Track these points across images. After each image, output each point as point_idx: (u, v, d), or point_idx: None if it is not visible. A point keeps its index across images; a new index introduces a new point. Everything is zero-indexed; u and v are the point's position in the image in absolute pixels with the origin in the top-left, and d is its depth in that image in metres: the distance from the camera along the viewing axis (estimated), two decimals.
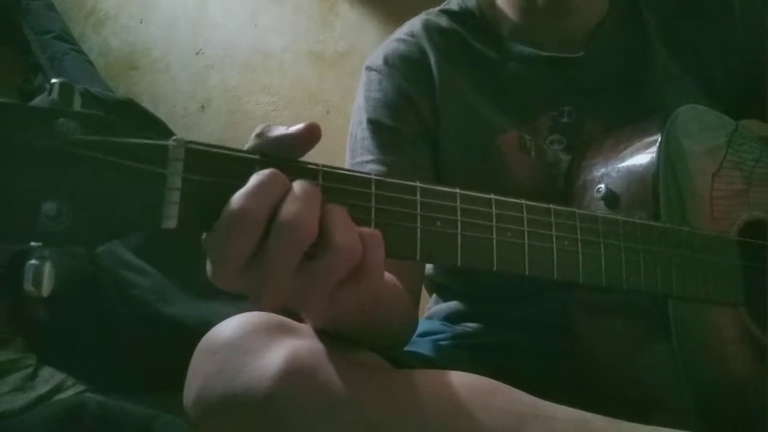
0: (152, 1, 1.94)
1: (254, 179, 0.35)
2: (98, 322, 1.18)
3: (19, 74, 1.76)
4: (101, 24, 1.97)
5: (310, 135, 0.38)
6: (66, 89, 0.33)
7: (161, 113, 1.67)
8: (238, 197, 0.34)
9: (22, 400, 1.09)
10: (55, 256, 0.33)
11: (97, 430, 0.98)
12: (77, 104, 0.34)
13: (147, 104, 1.68)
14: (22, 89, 1.74)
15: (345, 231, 0.36)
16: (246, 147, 0.38)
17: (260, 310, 0.38)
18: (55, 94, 0.33)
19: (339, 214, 0.37)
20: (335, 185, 0.39)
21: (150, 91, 1.87)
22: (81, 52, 1.82)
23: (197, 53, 1.85)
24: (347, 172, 0.40)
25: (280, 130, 0.38)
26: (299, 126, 0.38)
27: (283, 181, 0.36)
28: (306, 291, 0.36)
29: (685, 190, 0.57)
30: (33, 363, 1.18)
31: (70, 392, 1.14)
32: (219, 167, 0.36)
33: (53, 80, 0.34)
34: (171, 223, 0.34)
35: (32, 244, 0.32)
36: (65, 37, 1.81)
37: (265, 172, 0.35)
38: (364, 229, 0.38)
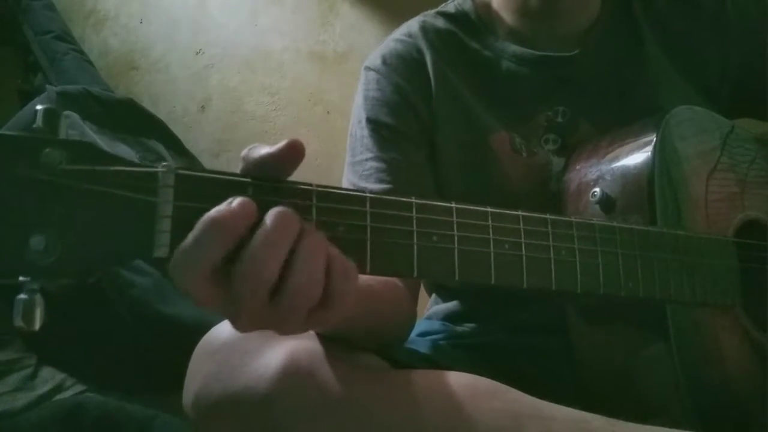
0: (152, 1, 1.94)
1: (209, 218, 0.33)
2: (98, 322, 1.18)
3: (19, 74, 1.76)
4: (101, 24, 1.97)
5: (292, 153, 0.36)
6: (51, 115, 0.32)
7: (161, 113, 1.67)
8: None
9: (22, 400, 1.09)
10: (44, 287, 0.31)
11: (96, 430, 0.98)
12: (63, 130, 0.32)
13: (147, 104, 1.68)
14: (22, 89, 1.74)
15: (301, 271, 0.34)
16: (239, 170, 0.37)
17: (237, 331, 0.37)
18: (39, 122, 0.32)
19: (308, 249, 0.34)
20: (329, 205, 0.38)
21: (150, 91, 1.87)
22: (81, 52, 1.82)
23: (197, 53, 1.85)
24: (341, 191, 0.38)
25: (261, 151, 0.36)
26: (281, 145, 0.36)
27: (247, 220, 0.34)
28: (278, 321, 0.35)
29: (680, 193, 0.57)
30: (33, 363, 1.18)
31: (70, 392, 1.15)
32: (210, 193, 0.34)
33: (38, 107, 0.32)
34: (163, 252, 0.33)
35: (20, 278, 0.31)
36: (65, 37, 1.80)
37: (239, 201, 0.33)
38: (337, 260, 0.36)
